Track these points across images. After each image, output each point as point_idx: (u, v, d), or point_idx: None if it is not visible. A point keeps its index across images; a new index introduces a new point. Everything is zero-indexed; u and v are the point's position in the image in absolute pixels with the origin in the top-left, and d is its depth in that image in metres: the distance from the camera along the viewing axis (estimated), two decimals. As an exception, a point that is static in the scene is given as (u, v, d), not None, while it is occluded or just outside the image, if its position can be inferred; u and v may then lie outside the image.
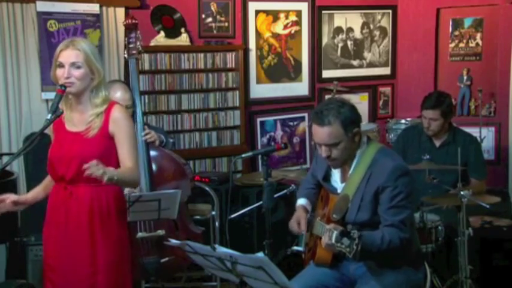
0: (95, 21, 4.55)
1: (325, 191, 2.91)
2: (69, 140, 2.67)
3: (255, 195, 4.41)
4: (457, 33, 5.71)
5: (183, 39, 4.96)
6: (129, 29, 3.72)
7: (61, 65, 2.61)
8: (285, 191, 3.95)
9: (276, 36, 5.46)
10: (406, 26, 5.91)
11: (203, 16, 5.12)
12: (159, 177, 3.61)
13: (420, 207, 3.61)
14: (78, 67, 2.61)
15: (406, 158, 3.94)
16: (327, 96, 5.44)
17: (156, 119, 4.87)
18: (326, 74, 5.72)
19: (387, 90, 6.04)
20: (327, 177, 2.88)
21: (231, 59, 5.11)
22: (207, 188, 4.25)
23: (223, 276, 2.54)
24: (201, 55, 4.99)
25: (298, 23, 5.55)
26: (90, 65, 2.63)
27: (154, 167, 3.62)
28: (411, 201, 2.67)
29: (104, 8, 4.59)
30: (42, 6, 4.36)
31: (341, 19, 5.76)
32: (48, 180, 2.82)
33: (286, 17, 5.49)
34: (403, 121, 5.36)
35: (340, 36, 5.78)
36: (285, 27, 5.50)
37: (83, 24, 4.50)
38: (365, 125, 5.47)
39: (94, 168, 2.42)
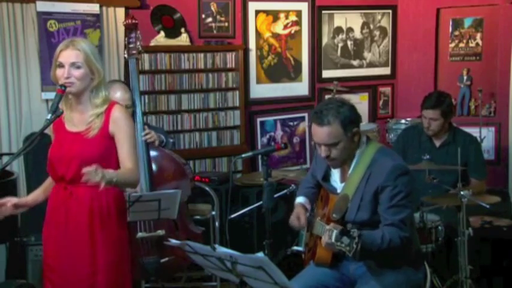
0: (95, 21, 4.55)
1: (324, 191, 2.91)
2: (70, 140, 2.67)
3: (255, 195, 4.41)
4: (457, 33, 5.71)
5: (183, 39, 4.96)
6: (129, 29, 3.72)
7: (61, 65, 2.61)
8: (285, 191, 3.95)
9: (276, 36, 5.46)
10: (406, 26, 5.91)
11: (203, 16, 5.12)
12: (159, 177, 3.61)
13: (420, 207, 3.61)
14: (78, 67, 2.61)
15: (406, 158, 3.94)
16: (327, 96, 5.44)
17: (156, 119, 4.87)
18: (326, 74, 5.72)
19: (387, 90, 6.04)
20: (327, 177, 2.88)
21: (231, 59, 5.11)
22: (207, 188, 4.25)
23: (223, 276, 2.54)
24: (201, 55, 4.99)
25: (298, 23, 5.55)
26: (90, 65, 2.63)
27: (154, 167, 3.62)
28: (411, 200, 2.67)
29: (104, 8, 4.59)
30: (42, 6, 4.36)
31: (341, 19, 5.76)
32: (47, 183, 2.82)
33: (286, 17, 5.49)
34: (403, 121, 5.36)
35: (340, 36, 5.78)
36: (285, 27, 5.50)
37: (83, 24, 4.50)
38: (365, 125, 5.47)
39: (92, 174, 2.42)
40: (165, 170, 3.67)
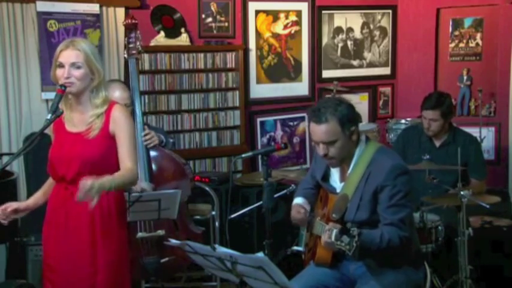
0: (95, 21, 4.55)
1: (324, 192, 2.91)
2: (70, 141, 2.67)
3: (255, 195, 4.41)
4: (457, 33, 5.71)
5: (183, 39, 4.96)
6: (129, 29, 3.73)
7: (61, 65, 2.61)
8: (285, 191, 3.95)
9: (276, 36, 5.46)
10: (406, 26, 5.91)
11: (203, 16, 5.12)
12: (159, 177, 3.61)
13: (420, 207, 3.61)
14: (78, 67, 2.61)
15: (406, 158, 3.95)
16: (326, 96, 5.43)
17: (156, 119, 4.87)
18: (326, 74, 5.72)
19: (387, 90, 6.04)
20: (326, 177, 2.88)
21: (231, 59, 5.11)
22: (207, 188, 4.25)
23: (223, 276, 2.54)
24: (201, 55, 4.99)
25: (298, 23, 5.55)
26: (90, 65, 2.63)
27: (154, 167, 3.62)
28: (410, 199, 2.67)
29: (104, 8, 4.59)
30: (42, 6, 4.36)
31: (341, 19, 5.76)
32: (47, 185, 2.82)
33: (286, 17, 5.49)
34: (403, 121, 5.36)
35: (340, 36, 5.78)
36: (285, 27, 5.50)
37: (83, 24, 4.50)
38: (365, 125, 5.48)
39: (86, 193, 2.41)
40: (165, 170, 3.67)
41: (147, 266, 3.49)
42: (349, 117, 2.67)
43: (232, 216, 3.94)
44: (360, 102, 5.80)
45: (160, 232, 3.47)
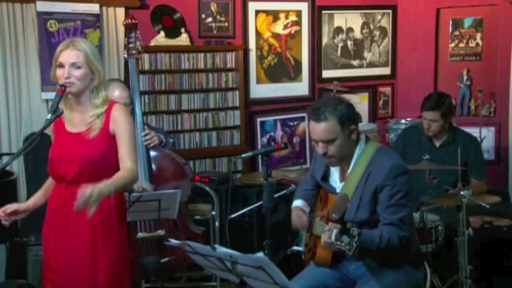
0: (95, 21, 4.55)
1: (324, 192, 2.91)
2: (71, 141, 2.67)
3: (255, 195, 4.41)
4: (457, 33, 5.71)
5: (183, 39, 4.96)
6: (129, 29, 3.72)
7: (61, 65, 2.61)
8: (285, 191, 3.95)
9: (276, 36, 5.46)
10: (406, 26, 5.91)
11: (203, 16, 5.12)
12: (159, 177, 3.61)
13: (420, 207, 3.61)
14: (79, 67, 2.61)
15: (406, 158, 3.95)
16: (326, 96, 5.44)
17: (156, 119, 4.87)
18: (326, 74, 5.72)
19: (387, 90, 6.04)
20: (326, 177, 2.88)
21: (231, 59, 5.11)
22: (207, 188, 4.25)
23: (223, 276, 2.54)
24: (201, 55, 4.99)
25: (298, 23, 5.55)
26: (90, 65, 2.63)
27: (154, 167, 3.62)
28: (410, 199, 2.67)
29: (104, 8, 4.59)
30: (42, 6, 4.36)
31: (341, 19, 5.76)
32: (47, 185, 2.82)
33: (286, 17, 5.49)
34: (403, 121, 5.36)
35: (340, 36, 5.78)
36: (285, 27, 5.50)
37: (83, 24, 4.50)
38: (365, 125, 5.48)
39: (84, 202, 2.42)
40: (165, 170, 3.67)
41: (147, 266, 3.49)
42: (349, 116, 2.68)
43: (232, 216, 3.94)
44: (360, 102, 5.80)
45: (160, 232, 3.47)
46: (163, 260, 3.51)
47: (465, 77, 5.64)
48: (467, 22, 5.66)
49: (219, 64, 5.08)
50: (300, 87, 5.63)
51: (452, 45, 5.73)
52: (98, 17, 4.55)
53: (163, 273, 3.61)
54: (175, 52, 4.88)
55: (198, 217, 4.10)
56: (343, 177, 2.79)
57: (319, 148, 2.70)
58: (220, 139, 5.17)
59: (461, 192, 3.38)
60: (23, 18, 4.32)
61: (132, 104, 3.62)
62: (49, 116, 2.56)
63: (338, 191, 2.77)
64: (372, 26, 5.90)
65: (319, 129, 2.66)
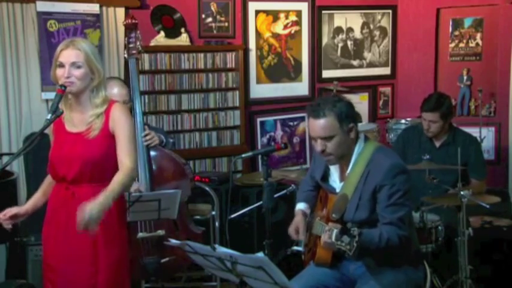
0: (95, 21, 4.55)
1: (323, 192, 2.91)
2: (71, 141, 2.67)
3: (255, 195, 4.41)
4: (457, 33, 5.71)
5: (183, 39, 4.96)
6: (129, 29, 3.72)
7: (61, 65, 2.61)
8: (285, 191, 3.96)
9: (276, 36, 5.46)
10: (406, 26, 5.91)
11: (203, 16, 5.12)
12: (159, 177, 3.61)
13: (420, 207, 3.61)
14: (79, 67, 2.61)
15: (406, 158, 3.95)
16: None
17: (156, 119, 4.87)
18: (326, 74, 5.72)
19: (387, 90, 6.04)
20: (326, 177, 2.88)
21: (231, 59, 5.11)
22: (207, 188, 4.25)
23: (223, 276, 2.54)
24: (201, 55, 4.99)
25: (298, 23, 5.55)
26: (90, 65, 2.63)
27: (154, 167, 3.62)
28: (409, 198, 2.67)
29: (104, 8, 4.59)
30: (42, 6, 4.36)
31: (341, 19, 5.76)
32: (46, 185, 2.82)
33: (286, 17, 5.49)
34: (403, 121, 5.36)
35: (340, 36, 5.78)
36: (285, 27, 5.50)
37: (83, 24, 4.50)
38: (365, 125, 5.48)
39: (86, 223, 2.45)
40: (165, 170, 3.67)
41: (147, 266, 3.49)
42: (348, 114, 2.68)
43: (232, 216, 3.94)
44: (360, 102, 5.80)
45: (161, 232, 3.47)
46: (163, 260, 3.51)
47: (465, 77, 5.64)
48: (467, 22, 5.66)
49: (219, 64, 5.08)
50: (300, 87, 5.63)
51: (452, 45, 5.73)
52: (98, 17, 4.55)
53: (164, 273, 3.61)
54: (175, 52, 4.89)
55: (198, 217, 4.10)
56: (342, 177, 2.79)
57: (317, 145, 2.70)
58: (220, 139, 5.17)
59: (461, 192, 3.38)
60: (23, 18, 4.32)
61: (131, 101, 3.62)
62: (49, 116, 2.56)
63: (338, 191, 2.77)
64: (372, 26, 5.90)
65: (317, 125, 2.66)
